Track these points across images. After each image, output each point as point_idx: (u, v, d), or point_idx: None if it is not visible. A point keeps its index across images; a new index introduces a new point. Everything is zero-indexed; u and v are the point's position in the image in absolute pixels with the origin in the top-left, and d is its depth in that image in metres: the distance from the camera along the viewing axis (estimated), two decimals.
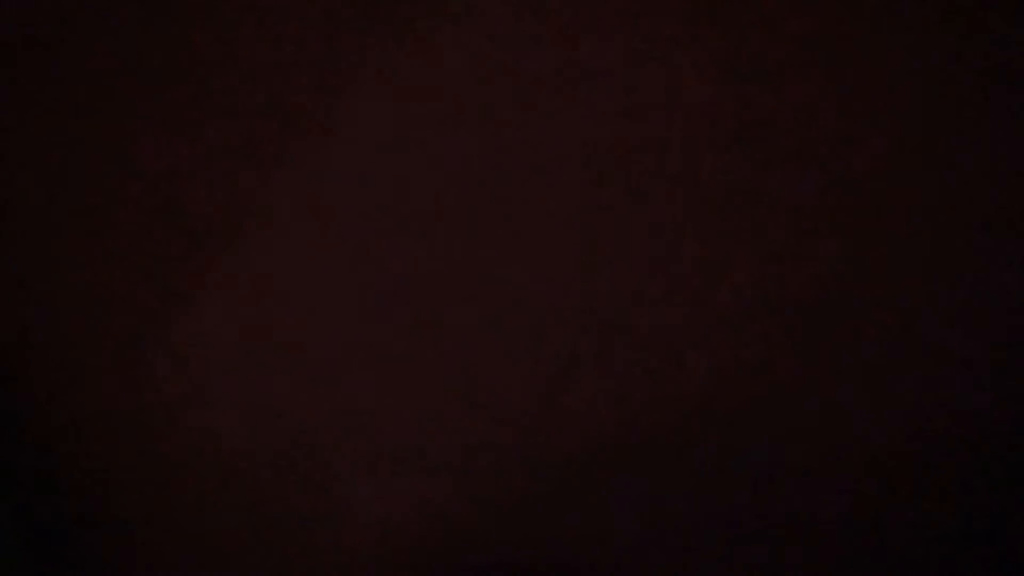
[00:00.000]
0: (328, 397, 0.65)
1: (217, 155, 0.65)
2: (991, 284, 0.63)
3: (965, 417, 0.64)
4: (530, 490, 0.65)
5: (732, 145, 0.63)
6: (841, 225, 0.63)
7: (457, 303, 0.65)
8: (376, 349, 0.65)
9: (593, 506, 0.65)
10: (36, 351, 0.67)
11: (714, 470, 0.64)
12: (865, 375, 0.63)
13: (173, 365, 0.65)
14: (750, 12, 0.63)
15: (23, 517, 0.67)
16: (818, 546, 0.65)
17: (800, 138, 0.63)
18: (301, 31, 0.65)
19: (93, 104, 0.66)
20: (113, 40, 0.66)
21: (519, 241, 0.64)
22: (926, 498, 0.64)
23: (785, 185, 0.63)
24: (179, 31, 0.65)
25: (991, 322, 0.63)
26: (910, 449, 0.64)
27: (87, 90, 0.66)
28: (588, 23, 0.64)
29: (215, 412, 0.65)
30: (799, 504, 0.64)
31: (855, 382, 0.63)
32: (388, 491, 0.65)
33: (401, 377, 0.65)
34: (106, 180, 0.66)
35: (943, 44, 0.63)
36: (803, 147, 0.63)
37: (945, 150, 0.63)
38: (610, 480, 0.65)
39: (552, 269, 0.64)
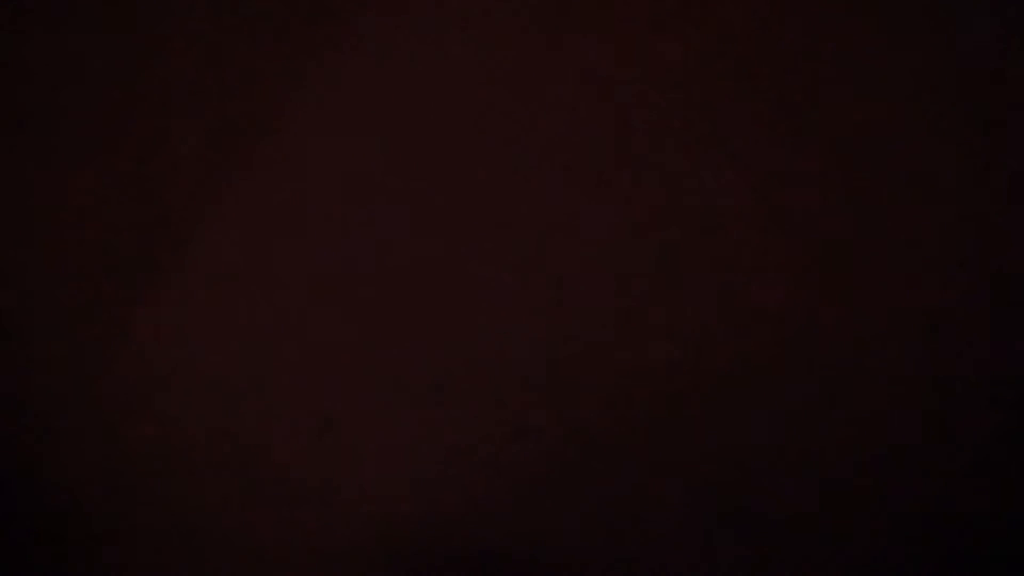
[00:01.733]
0: (309, 387, 0.65)
1: (185, 143, 0.65)
2: (985, 280, 0.63)
3: (958, 413, 0.64)
4: (516, 484, 0.65)
5: (719, 141, 0.64)
6: (827, 223, 0.64)
7: (438, 294, 0.65)
8: (358, 339, 0.65)
9: (579, 500, 0.65)
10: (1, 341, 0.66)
11: (702, 466, 0.65)
12: (852, 371, 0.64)
13: (145, 351, 0.65)
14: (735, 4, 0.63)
15: None
16: (804, 542, 0.65)
17: (787, 134, 0.64)
18: (276, 16, 0.65)
19: (60, 99, 0.65)
20: (69, 31, 0.65)
21: (503, 233, 0.64)
22: (916, 496, 0.64)
23: (772, 182, 0.64)
24: (144, 19, 0.65)
25: (984, 317, 0.64)
26: (900, 445, 0.64)
27: (56, 86, 0.65)
28: (567, 15, 0.64)
29: (179, 413, 0.65)
30: (784, 500, 0.65)
31: (842, 379, 0.64)
32: (370, 483, 0.65)
33: (383, 370, 0.65)
34: (75, 171, 0.65)
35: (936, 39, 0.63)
36: (790, 142, 0.64)
37: (936, 146, 0.63)
38: (597, 475, 0.65)
39: (536, 261, 0.64)
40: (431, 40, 0.64)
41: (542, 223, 0.64)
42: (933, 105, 0.63)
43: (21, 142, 0.65)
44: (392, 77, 0.64)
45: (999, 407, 0.64)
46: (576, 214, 0.64)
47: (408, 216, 0.65)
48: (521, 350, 0.65)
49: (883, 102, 0.63)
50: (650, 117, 0.64)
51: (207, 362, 0.65)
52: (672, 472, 0.65)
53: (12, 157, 0.65)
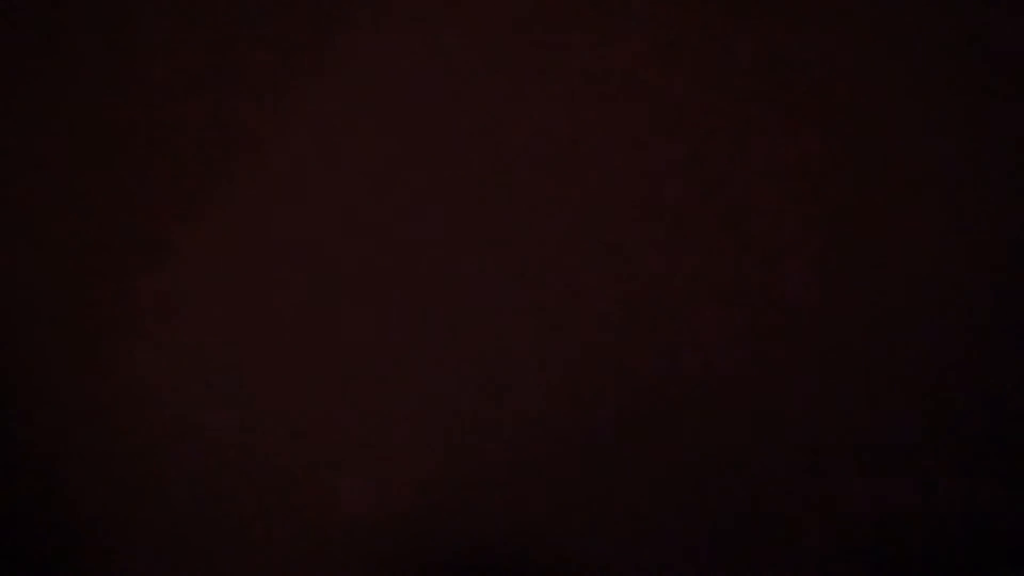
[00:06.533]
0: (291, 392, 0.65)
1: (179, 141, 0.65)
2: (981, 275, 0.63)
3: (953, 412, 0.64)
4: (505, 485, 0.65)
5: (714, 139, 0.64)
6: (825, 219, 0.63)
7: (437, 293, 0.65)
8: (357, 338, 0.65)
9: (576, 500, 0.65)
10: (4, 341, 0.66)
11: (702, 466, 0.65)
12: (844, 369, 0.64)
13: (151, 355, 0.65)
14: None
15: None
16: (803, 541, 0.65)
17: (785, 131, 0.63)
18: (275, 14, 0.65)
19: (60, 100, 0.66)
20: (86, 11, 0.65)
21: (502, 232, 0.64)
22: (917, 495, 0.64)
23: (770, 179, 0.64)
24: (144, 18, 0.65)
25: (978, 314, 0.63)
26: (891, 443, 0.64)
27: (56, 86, 0.66)
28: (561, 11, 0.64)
29: (191, 406, 0.65)
30: (782, 500, 0.64)
31: (834, 377, 0.64)
32: (366, 484, 0.65)
33: (382, 369, 0.65)
34: (75, 171, 0.65)
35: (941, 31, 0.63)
36: (788, 141, 0.63)
37: (932, 140, 0.63)
38: (595, 475, 0.65)
39: (536, 260, 0.64)
40: (431, 40, 0.64)
41: (541, 222, 0.64)
42: (944, 102, 0.63)
43: (21, 142, 0.66)
44: (391, 76, 0.64)
45: (1001, 405, 0.64)
46: (576, 212, 0.64)
47: (409, 215, 0.65)
48: (520, 350, 0.65)
49: (893, 101, 0.63)
50: (658, 115, 0.64)
51: (207, 361, 0.65)
52: (670, 472, 0.65)
53: (12, 157, 0.66)
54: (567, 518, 0.65)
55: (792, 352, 0.64)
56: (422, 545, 0.65)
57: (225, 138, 0.65)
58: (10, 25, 0.65)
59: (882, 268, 0.63)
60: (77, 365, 0.66)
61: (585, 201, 0.64)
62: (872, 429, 0.64)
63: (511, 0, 0.64)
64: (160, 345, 0.65)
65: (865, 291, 0.63)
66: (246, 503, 0.66)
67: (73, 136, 0.65)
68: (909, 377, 0.64)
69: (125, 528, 0.66)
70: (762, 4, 0.63)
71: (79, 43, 0.65)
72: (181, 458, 0.65)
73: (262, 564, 0.66)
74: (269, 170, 0.65)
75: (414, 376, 0.65)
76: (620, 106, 0.64)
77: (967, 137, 0.63)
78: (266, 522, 0.66)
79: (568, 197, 0.64)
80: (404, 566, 0.66)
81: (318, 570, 0.66)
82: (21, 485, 0.66)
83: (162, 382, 0.65)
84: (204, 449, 0.65)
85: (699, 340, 0.64)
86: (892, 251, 0.63)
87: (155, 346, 0.65)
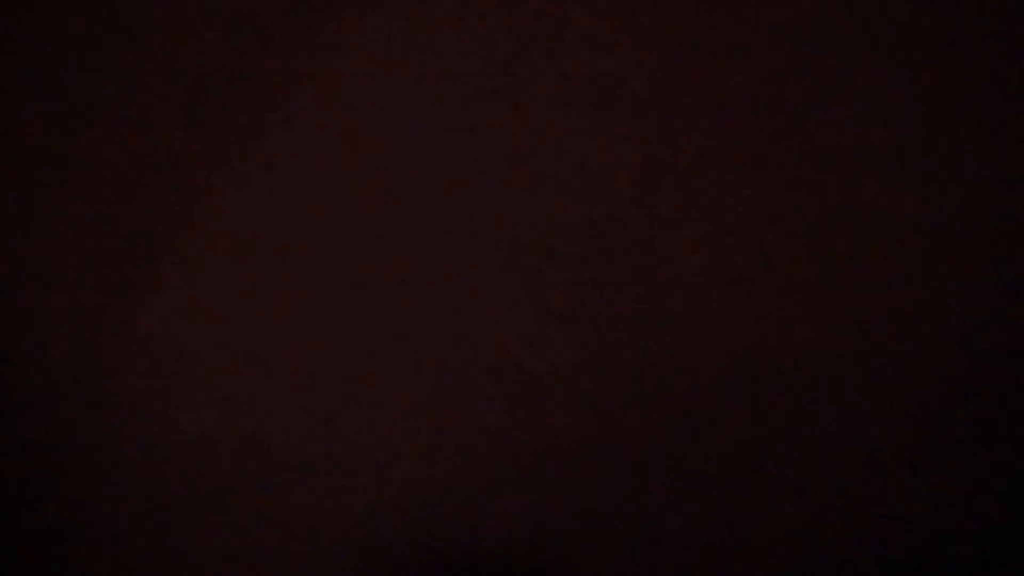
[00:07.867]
0: (290, 392, 0.65)
1: (176, 141, 0.65)
2: (985, 276, 0.63)
3: (949, 413, 0.64)
4: (504, 486, 0.65)
5: (717, 136, 0.63)
6: (825, 226, 0.63)
7: (420, 298, 0.65)
8: (357, 338, 0.65)
9: (576, 500, 0.65)
10: None
11: (701, 467, 0.64)
12: (844, 370, 0.64)
13: (135, 360, 0.65)
14: None
15: None
16: (801, 541, 0.65)
17: (788, 133, 0.63)
18: (266, 16, 0.65)
19: (60, 101, 0.66)
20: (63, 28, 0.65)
21: (500, 234, 0.64)
22: (915, 495, 0.64)
23: (772, 178, 0.64)
24: (142, 19, 0.65)
25: (984, 314, 0.63)
26: (890, 444, 0.64)
27: (55, 88, 0.66)
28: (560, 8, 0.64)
29: (177, 409, 0.65)
30: (781, 500, 0.64)
31: (833, 378, 0.64)
32: (350, 487, 0.65)
33: (362, 374, 0.65)
34: (65, 173, 0.66)
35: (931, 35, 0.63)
36: (790, 143, 0.63)
37: (932, 138, 0.63)
38: (595, 475, 0.65)
39: (535, 261, 0.64)
40: (425, 39, 0.64)
41: (540, 223, 0.64)
42: (926, 109, 0.63)
43: (21, 144, 0.66)
44: (385, 75, 0.64)
45: (998, 405, 0.64)
46: (575, 214, 0.64)
47: (406, 214, 0.65)
48: (518, 351, 0.64)
49: (878, 107, 0.63)
50: (652, 124, 0.64)
51: (207, 362, 0.65)
52: (670, 474, 0.65)
53: (12, 159, 0.66)
54: (565, 519, 0.65)
55: (793, 353, 0.64)
56: (420, 546, 0.65)
57: (225, 141, 0.65)
58: (13, 28, 0.65)
59: (882, 267, 0.63)
60: (77, 366, 0.66)
61: (585, 203, 0.64)
62: (871, 430, 0.64)
63: (507, 1, 0.64)
64: (159, 347, 0.65)
65: (865, 290, 0.63)
66: (246, 504, 0.66)
67: (73, 138, 0.65)
68: (909, 376, 0.64)
69: (125, 529, 0.66)
70: (756, 8, 0.63)
71: (81, 45, 0.65)
72: (180, 459, 0.65)
73: (261, 564, 0.66)
74: (267, 173, 0.65)
75: (412, 377, 0.65)
76: (615, 107, 0.64)
77: (966, 135, 0.63)
78: (266, 523, 0.66)
79: (570, 198, 0.64)
80: (402, 567, 0.65)
81: (317, 571, 0.66)
82: (20, 486, 0.66)
83: (161, 384, 0.65)
84: (203, 449, 0.65)
85: (699, 343, 0.64)
86: (891, 250, 0.63)
87: (155, 348, 0.65)
